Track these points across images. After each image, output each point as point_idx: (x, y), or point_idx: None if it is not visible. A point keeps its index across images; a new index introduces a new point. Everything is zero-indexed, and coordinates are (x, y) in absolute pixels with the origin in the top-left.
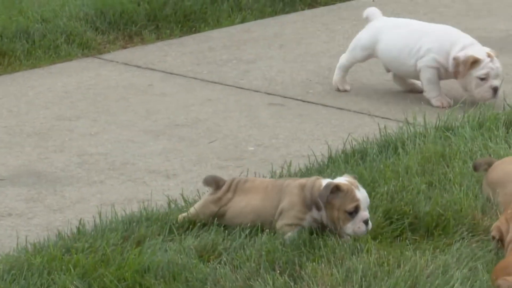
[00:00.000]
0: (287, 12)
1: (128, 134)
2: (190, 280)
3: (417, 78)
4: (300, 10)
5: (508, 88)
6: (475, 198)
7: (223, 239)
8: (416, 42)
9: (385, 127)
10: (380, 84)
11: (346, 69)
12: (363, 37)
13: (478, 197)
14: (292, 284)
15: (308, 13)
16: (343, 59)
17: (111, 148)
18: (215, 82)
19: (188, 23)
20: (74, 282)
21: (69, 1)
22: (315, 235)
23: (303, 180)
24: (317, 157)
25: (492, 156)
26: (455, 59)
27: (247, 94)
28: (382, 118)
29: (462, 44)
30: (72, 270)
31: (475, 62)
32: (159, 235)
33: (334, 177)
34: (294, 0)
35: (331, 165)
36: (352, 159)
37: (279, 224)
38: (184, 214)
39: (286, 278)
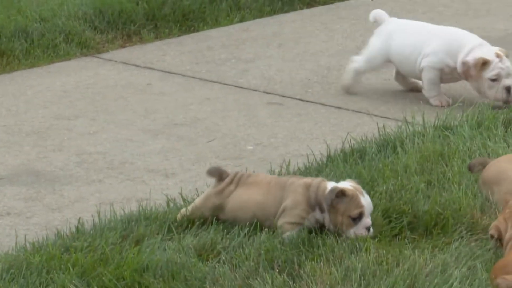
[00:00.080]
0: (286, 11)
1: (126, 133)
2: (189, 279)
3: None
4: (298, 9)
5: None
6: (474, 197)
7: (222, 238)
8: (424, 43)
9: (384, 126)
10: (379, 83)
11: (360, 75)
12: (376, 44)
13: (477, 196)
14: (291, 283)
15: (307, 12)
16: (358, 64)
17: (109, 147)
18: (213, 81)
19: (187, 22)
20: (73, 281)
21: (67, 0)
22: (314, 234)
23: (308, 180)
24: (316, 156)
25: (490, 155)
26: (464, 63)
27: (246, 93)
28: (381, 117)
29: (471, 45)
30: (71, 269)
31: (484, 64)
32: (158, 234)
33: (337, 180)
34: None
35: (330, 164)
36: (351, 158)
37: (280, 221)
38: (184, 210)
39: (285, 277)
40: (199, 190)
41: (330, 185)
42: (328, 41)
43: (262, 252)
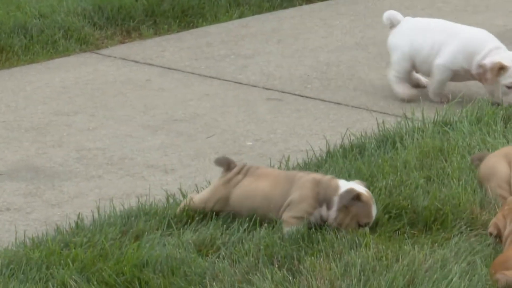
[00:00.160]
0: (285, 7)
1: (126, 129)
2: (188, 275)
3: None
4: (298, 5)
5: None
6: (473, 192)
7: (222, 234)
8: (442, 43)
9: (383, 122)
10: (378, 79)
11: (405, 79)
12: (399, 45)
13: (476, 192)
14: (290, 278)
15: (306, 8)
16: (394, 71)
17: (109, 143)
18: (213, 77)
19: (186, 18)
20: (73, 277)
21: None
22: (313, 229)
23: (317, 176)
24: (315, 152)
25: (490, 151)
26: (481, 66)
27: (245, 89)
28: (381, 113)
29: (488, 48)
30: (71, 264)
31: (502, 69)
32: (157, 229)
33: (339, 175)
34: None
35: (329, 160)
36: (351, 154)
37: (285, 215)
38: (189, 199)
39: (285, 272)
40: (198, 186)
41: (342, 183)
42: (327, 37)
43: (262, 247)
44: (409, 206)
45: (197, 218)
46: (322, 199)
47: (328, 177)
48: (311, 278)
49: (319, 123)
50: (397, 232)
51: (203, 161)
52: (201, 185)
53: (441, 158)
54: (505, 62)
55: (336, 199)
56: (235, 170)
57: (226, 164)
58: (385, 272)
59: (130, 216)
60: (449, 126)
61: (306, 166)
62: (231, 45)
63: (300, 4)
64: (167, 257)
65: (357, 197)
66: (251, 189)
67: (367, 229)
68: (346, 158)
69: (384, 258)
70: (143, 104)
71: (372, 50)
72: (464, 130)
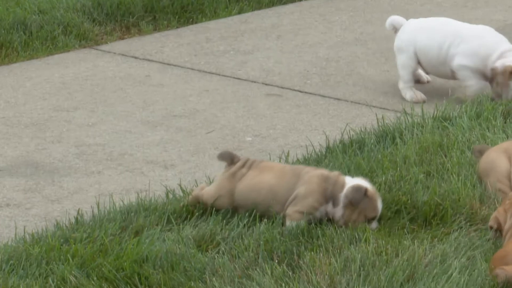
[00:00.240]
0: (284, 3)
1: (125, 124)
2: (188, 270)
3: (453, 78)
4: (297, 1)
5: None
6: (473, 187)
7: (221, 229)
8: (451, 44)
9: (382, 117)
10: (377, 74)
11: (411, 82)
12: (406, 45)
13: (476, 187)
14: (290, 273)
15: (305, 4)
16: (403, 86)
17: (108, 138)
18: (212, 73)
19: (185, 14)
20: (73, 272)
21: None
22: (313, 224)
23: (324, 172)
24: (315, 147)
25: (490, 145)
26: (493, 69)
27: (245, 85)
28: (380, 108)
29: (500, 50)
30: (71, 260)
31: None
32: (157, 225)
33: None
34: None
35: (329, 156)
36: (350, 149)
37: (290, 210)
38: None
39: (285, 267)
40: (198, 181)
41: (348, 180)
42: (327, 33)
43: (262, 242)
44: (409, 201)
45: (197, 214)
46: (329, 195)
47: (335, 173)
48: (311, 273)
49: (319, 119)
50: (397, 227)
51: (202, 157)
52: (200, 181)
53: (440, 153)
54: None
55: (342, 196)
56: (238, 164)
57: (229, 158)
58: (385, 267)
59: (130, 211)
60: (448, 121)
61: (305, 162)
62: (231, 40)
63: (300, 0)
64: (167, 253)
65: (364, 192)
66: (256, 182)
67: (373, 224)
68: (346, 153)
69: (384, 253)
70: (142, 100)
71: (371, 45)
72: (464, 125)
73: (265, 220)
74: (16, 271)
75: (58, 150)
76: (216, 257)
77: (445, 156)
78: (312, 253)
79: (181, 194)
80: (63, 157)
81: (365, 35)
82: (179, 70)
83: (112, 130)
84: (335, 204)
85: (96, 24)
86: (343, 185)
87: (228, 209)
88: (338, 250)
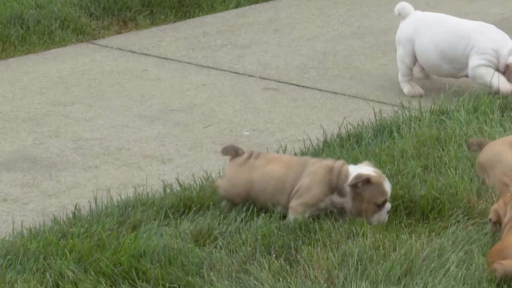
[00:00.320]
0: None
1: (123, 119)
2: (186, 264)
3: (453, 77)
4: None
5: None
6: (471, 181)
7: (219, 223)
8: (458, 44)
9: (380, 111)
10: (375, 68)
11: (409, 76)
12: (405, 41)
13: (473, 181)
14: (288, 268)
15: None
16: (402, 79)
17: (106, 133)
18: (209, 67)
19: (183, 8)
20: (70, 267)
21: None
22: (310, 219)
23: (329, 162)
24: (312, 142)
25: (488, 139)
26: (508, 66)
27: (242, 79)
28: (377, 102)
29: (509, 47)
30: (68, 255)
31: None
32: (154, 219)
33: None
34: None
35: (326, 149)
36: (347, 143)
37: (294, 203)
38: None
39: (282, 262)
40: (195, 176)
41: (351, 169)
42: (324, 27)
43: (259, 237)
44: (406, 195)
45: (194, 208)
46: (334, 186)
47: (339, 163)
48: (309, 267)
49: (316, 113)
50: (394, 221)
51: (200, 151)
52: (198, 175)
53: (438, 147)
54: None
55: (347, 187)
56: (245, 155)
57: (233, 152)
58: (383, 261)
59: (127, 206)
60: (446, 115)
61: (303, 156)
62: (228, 35)
63: None
64: (164, 247)
65: (366, 181)
66: (265, 171)
67: (387, 206)
68: (343, 147)
69: (381, 247)
70: (139, 94)
71: (368, 39)
72: (461, 119)
73: (263, 214)
74: (14, 266)
75: (55, 144)
76: (213, 251)
77: (443, 150)
78: (310, 247)
79: (179, 188)
80: (61, 151)
81: (362, 29)
82: (176, 64)
83: (109, 124)
84: (341, 194)
85: (93, 18)
86: (347, 175)
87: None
88: (336, 245)
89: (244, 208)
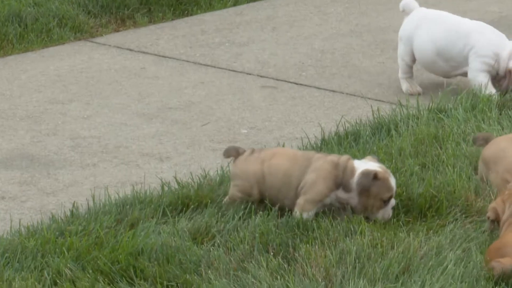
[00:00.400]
0: None
1: (121, 117)
2: (183, 262)
3: (447, 76)
4: None
5: None
6: (468, 179)
7: (217, 221)
8: (457, 42)
9: (378, 109)
10: (373, 66)
11: (409, 73)
12: (406, 39)
13: (471, 179)
14: (286, 266)
15: None
16: (401, 76)
17: (104, 131)
18: (207, 65)
19: (181, 6)
20: (68, 265)
21: None
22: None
23: (334, 158)
24: (310, 139)
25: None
26: (511, 71)
27: (240, 77)
28: (375, 100)
29: (508, 50)
30: (66, 253)
31: None
32: (152, 217)
33: (359, 158)
34: None
35: (324, 147)
36: (345, 141)
37: (301, 199)
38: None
39: (280, 260)
40: (193, 174)
41: (357, 164)
42: (322, 25)
43: (257, 235)
44: (404, 193)
45: (192, 206)
46: (340, 181)
47: (344, 158)
48: (306, 265)
49: (314, 111)
50: (392, 219)
51: (198, 149)
52: (196, 173)
53: (436, 145)
54: None
55: (353, 183)
56: (247, 152)
57: (235, 152)
58: (380, 260)
59: (125, 204)
60: (444, 113)
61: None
62: (226, 33)
63: None
64: (162, 245)
65: (374, 176)
66: (272, 165)
67: (392, 202)
68: (341, 145)
69: (379, 246)
70: (137, 92)
71: (366, 37)
72: (459, 117)
73: (261, 212)
74: (12, 264)
75: (53, 142)
76: (211, 249)
77: (440, 148)
78: (308, 245)
79: (177, 186)
80: (58, 149)
81: (360, 27)
82: (174, 62)
83: (107, 122)
84: (346, 190)
85: (91, 16)
86: (352, 170)
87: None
88: (334, 243)
89: (242, 206)
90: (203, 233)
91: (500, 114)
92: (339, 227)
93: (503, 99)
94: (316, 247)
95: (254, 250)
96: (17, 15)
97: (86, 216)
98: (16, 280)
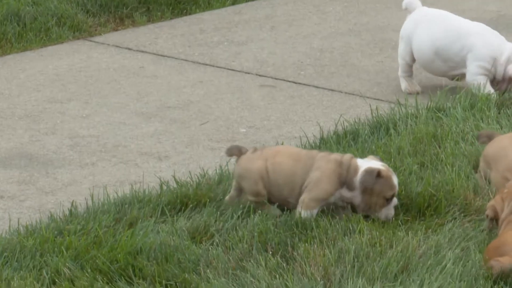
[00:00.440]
0: None
1: (119, 116)
2: (182, 262)
3: (445, 76)
4: None
5: None
6: (467, 178)
7: (215, 221)
8: (455, 43)
9: (376, 108)
10: (371, 65)
11: (409, 72)
12: (406, 38)
13: (470, 178)
14: (284, 265)
15: None
16: (401, 74)
17: (103, 130)
18: (206, 64)
19: (179, 5)
20: (67, 264)
21: None
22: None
23: (338, 156)
24: (309, 138)
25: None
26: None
27: (239, 76)
28: (374, 99)
29: (507, 54)
30: (65, 252)
31: None
32: (151, 216)
33: (362, 156)
34: None
35: (323, 146)
36: (344, 140)
37: (305, 197)
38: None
39: (279, 259)
40: (192, 173)
41: (360, 163)
42: (321, 24)
43: (256, 234)
44: (403, 192)
45: (191, 205)
46: (344, 180)
47: (348, 157)
48: (305, 264)
49: (313, 110)
50: (391, 218)
51: (196, 148)
52: (194, 172)
53: (434, 144)
54: None
55: (357, 181)
56: (250, 150)
57: (237, 151)
58: (379, 258)
59: (124, 203)
60: (442, 112)
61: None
62: (225, 32)
63: None
64: (161, 245)
65: (377, 174)
66: (275, 163)
67: (394, 201)
68: (340, 144)
69: (378, 244)
70: (136, 91)
71: (365, 36)
72: (458, 116)
73: (259, 211)
74: (10, 263)
75: (52, 141)
76: (210, 248)
77: (439, 147)
78: (306, 244)
79: (175, 185)
80: (57, 148)
81: (359, 26)
82: (173, 61)
83: (106, 121)
84: (350, 188)
85: (90, 15)
86: (356, 169)
87: (221, 201)
88: (332, 242)
89: (241, 206)
90: (202, 232)
91: (499, 113)
92: (337, 226)
93: (501, 98)
94: (315, 246)
95: (252, 249)
96: (15, 14)
97: (84, 215)
98: (15, 279)
